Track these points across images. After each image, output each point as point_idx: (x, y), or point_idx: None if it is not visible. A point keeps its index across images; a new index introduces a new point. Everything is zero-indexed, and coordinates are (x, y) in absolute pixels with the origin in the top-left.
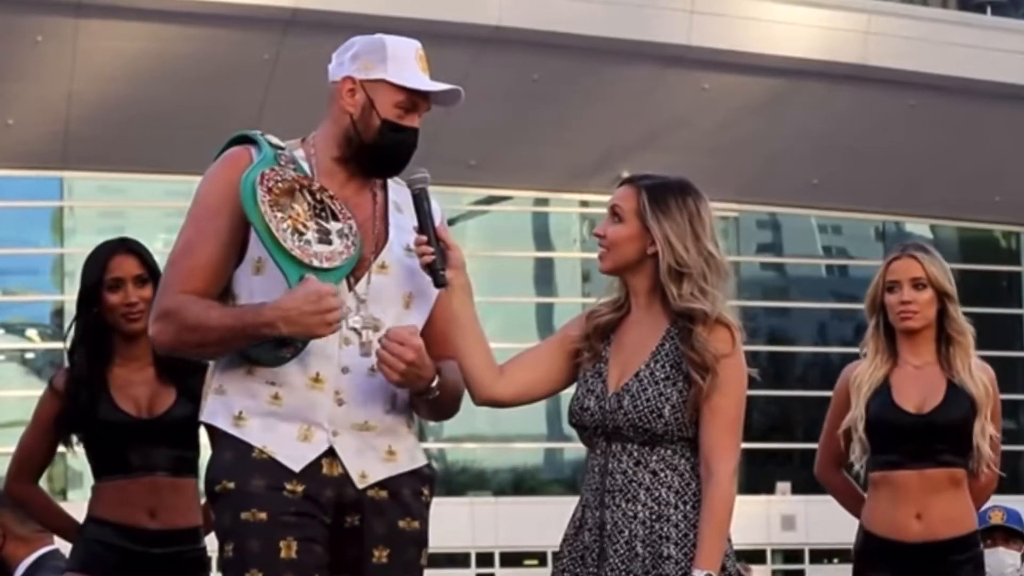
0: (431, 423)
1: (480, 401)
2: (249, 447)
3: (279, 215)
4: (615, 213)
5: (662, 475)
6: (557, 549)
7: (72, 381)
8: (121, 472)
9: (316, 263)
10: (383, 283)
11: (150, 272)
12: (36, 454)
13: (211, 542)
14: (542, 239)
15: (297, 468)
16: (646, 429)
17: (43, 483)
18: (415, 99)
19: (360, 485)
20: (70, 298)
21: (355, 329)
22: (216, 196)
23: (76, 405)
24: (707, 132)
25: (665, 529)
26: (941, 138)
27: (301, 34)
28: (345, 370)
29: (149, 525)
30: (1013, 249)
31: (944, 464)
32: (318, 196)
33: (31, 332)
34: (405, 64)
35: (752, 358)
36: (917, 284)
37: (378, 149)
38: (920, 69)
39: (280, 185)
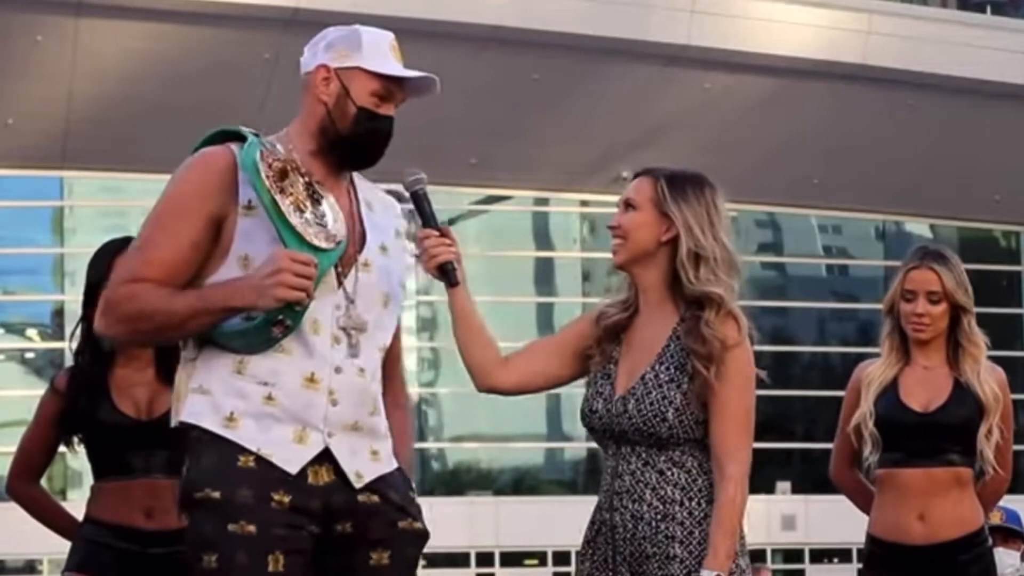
0: (431, 423)
1: (482, 389)
2: (234, 453)
3: (280, 193)
4: (629, 204)
5: (668, 473)
6: (558, 549)
7: (75, 381)
8: (121, 473)
9: (316, 243)
10: (367, 281)
11: None
12: (37, 454)
13: None
14: (542, 239)
15: (294, 471)
16: (651, 433)
17: (43, 483)
18: (390, 87)
19: (357, 485)
20: (70, 298)
21: (344, 329)
22: (187, 197)
23: (77, 406)
24: (707, 132)
25: (671, 528)
26: (941, 138)
27: (301, 34)
28: (338, 370)
29: (146, 526)
30: (1013, 249)
31: (949, 464)
32: (306, 179)
33: (31, 332)
34: (380, 53)
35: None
36: (932, 297)
37: (354, 138)
38: (920, 69)
39: (277, 163)
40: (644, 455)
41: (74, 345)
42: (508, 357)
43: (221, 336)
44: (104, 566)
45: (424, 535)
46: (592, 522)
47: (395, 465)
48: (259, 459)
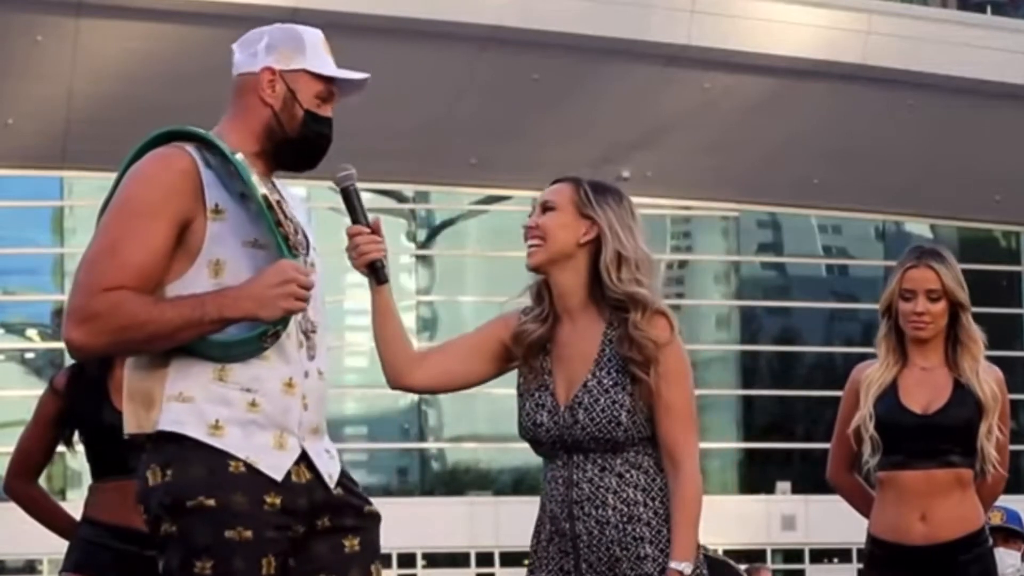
0: (431, 423)
1: (395, 386)
2: (224, 460)
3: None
4: (546, 207)
5: (627, 476)
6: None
7: (78, 383)
8: (120, 473)
9: (297, 251)
10: (314, 283)
11: None
12: (35, 453)
13: None
14: None
15: (279, 477)
16: (607, 439)
17: (42, 483)
18: (331, 89)
19: (331, 485)
20: None
21: (305, 332)
22: (155, 200)
23: (77, 406)
24: (707, 132)
25: (638, 530)
26: (941, 138)
27: None
28: (306, 374)
29: (143, 526)
30: (1013, 249)
31: (950, 465)
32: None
33: (31, 332)
34: (320, 53)
35: (753, 358)
36: (932, 295)
37: (301, 141)
38: (920, 69)
39: (254, 168)
40: (600, 461)
41: None
42: (423, 356)
43: (206, 346)
44: (102, 566)
45: (380, 517)
46: (539, 532)
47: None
48: (247, 464)
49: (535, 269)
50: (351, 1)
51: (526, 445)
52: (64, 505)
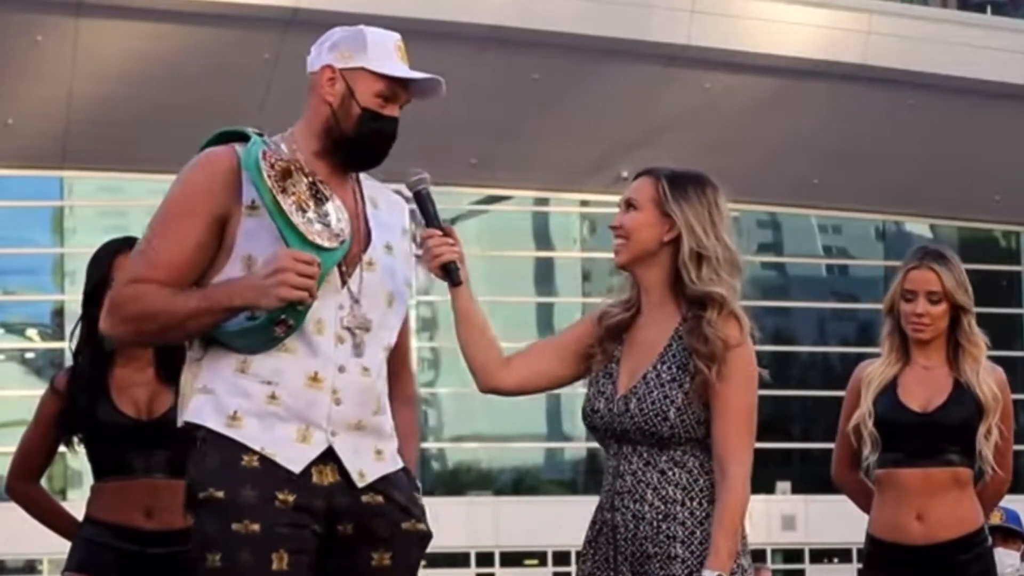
0: (431, 423)
1: (484, 389)
2: (237, 452)
3: (282, 192)
4: (630, 204)
5: (670, 473)
6: (558, 549)
7: (74, 381)
8: (121, 473)
9: (319, 241)
10: (371, 281)
11: None
12: (36, 454)
13: None
14: (542, 239)
15: (297, 470)
16: (652, 432)
17: (44, 483)
18: (395, 88)
19: (360, 484)
20: (70, 298)
21: (349, 329)
22: (192, 197)
23: (76, 406)
24: (707, 132)
25: (672, 528)
26: (941, 138)
27: (301, 34)
28: (341, 369)
29: (145, 526)
30: (1013, 249)
31: (948, 463)
32: (310, 179)
33: (31, 332)
34: (385, 53)
35: None
36: (932, 297)
37: (358, 139)
38: (920, 69)
39: (280, 163)
40: (645, 455)
41: (74, 345)
42: (510, 358)
43: (224, 336)
44: (104, 566)
45: (426, 536)
46: (594, 522)
47: (400, 464)
48: (263, 458)
49: (621, 267)
50: (351, 1)
51: (526, 445)
52: (65, 505)
